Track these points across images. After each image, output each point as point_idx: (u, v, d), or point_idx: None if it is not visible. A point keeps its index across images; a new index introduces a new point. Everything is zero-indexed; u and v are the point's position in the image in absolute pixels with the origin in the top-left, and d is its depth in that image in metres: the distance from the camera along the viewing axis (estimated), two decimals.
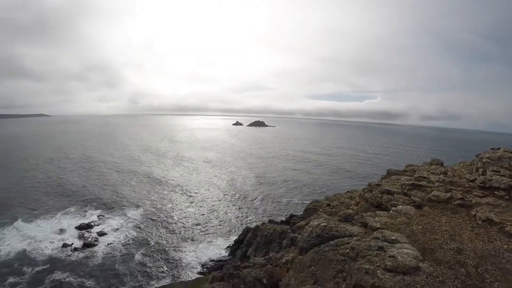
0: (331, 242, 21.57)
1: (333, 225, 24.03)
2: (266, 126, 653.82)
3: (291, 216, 73.58)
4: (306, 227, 27.67)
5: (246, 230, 68.87)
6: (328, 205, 52.19)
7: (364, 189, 40.51)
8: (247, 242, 60.14)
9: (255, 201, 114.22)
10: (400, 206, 26.77)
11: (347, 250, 19.17)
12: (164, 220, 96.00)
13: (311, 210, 54.94)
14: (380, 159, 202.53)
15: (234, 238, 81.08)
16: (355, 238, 21.01)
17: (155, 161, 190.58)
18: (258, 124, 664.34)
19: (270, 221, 72.32)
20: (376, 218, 24.49)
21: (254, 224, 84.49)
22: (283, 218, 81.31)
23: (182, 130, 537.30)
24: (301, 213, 68.95)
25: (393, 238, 19.38)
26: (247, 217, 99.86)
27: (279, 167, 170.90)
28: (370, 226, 23.10)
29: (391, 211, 26.53)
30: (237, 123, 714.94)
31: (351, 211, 35.17)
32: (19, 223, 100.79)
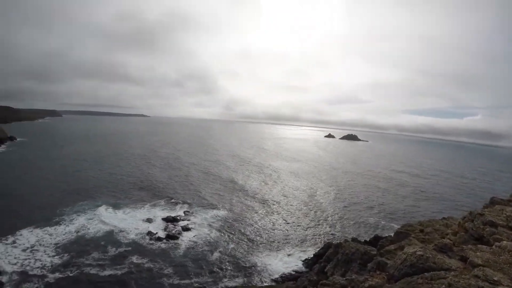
0: (425, 274, 23.23)
1: (429, 255, 26.12)
2: (359, 140, 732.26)
3: (377, 237, 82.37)
4: (400, 253, 30.07)
5: (328, 245, 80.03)
6: (422, 231, 55.58)
7: (464, 217, 42.89)
8: (326, 258, 69.08)
9: (335, 217, 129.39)
10: (504, 242, 27.88)
11: (443, 286, 20.57)
12: (244, 225, 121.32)
13: (402, 234, 59.10)
14: (478, 185, 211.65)
15: (311, 251, 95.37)
16: (452, 273, 22.54)
17: (240, 167, 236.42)
18: (351, 137, 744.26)
19: (353, 240, 79.89)
20: (478, 253, 25.90)
21: (334, 240, 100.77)
22: (366, 238, 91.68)
23: (271, 138, 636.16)
24: (387, 235, 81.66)
25: (495, 279, 20.11)
26: (326, 232, 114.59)
27: (366, 184, 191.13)
28: (470, 261, 24.67)
29: (494, 246, 27.71)
30: (329, 136, 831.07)
31: (447, 241, 36.84)
32: (110, 208, 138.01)
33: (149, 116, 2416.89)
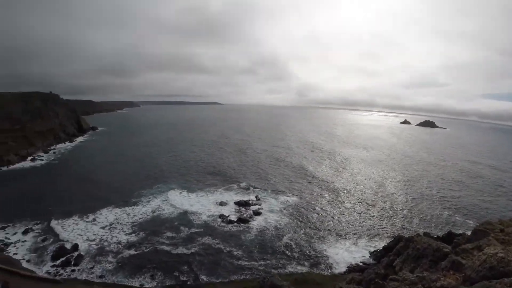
0: (505, 279, 23.01)
1: None
2: (436, 127, 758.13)
3: (451, 234, 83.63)
4: (480, 254, 30.29)
5: (398, 239, 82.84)
6: (502, 231, 55.46)
7: None
8: (396, 251, 71.57)
9: (406, 208, 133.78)
10: None
11: None
12: (313, 212, 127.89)
13: (480, 233, 58.84)
14: None
15: (380, 243, 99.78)
16: None
17: (310, 153, 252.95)
18: (428, 124, 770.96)
19: (425, 234, 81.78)
20: None
21: (404, 233, 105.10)
22: (439, 234, 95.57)
23: (344, 125, 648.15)
24: (462, 232, 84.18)
25: None
26: (396, 224, 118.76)
27: (440, 175, 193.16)
28: None
29: None
30: (405, 122, 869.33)
31: None
32: (184, 191, 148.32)
33: (222, 104, 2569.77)
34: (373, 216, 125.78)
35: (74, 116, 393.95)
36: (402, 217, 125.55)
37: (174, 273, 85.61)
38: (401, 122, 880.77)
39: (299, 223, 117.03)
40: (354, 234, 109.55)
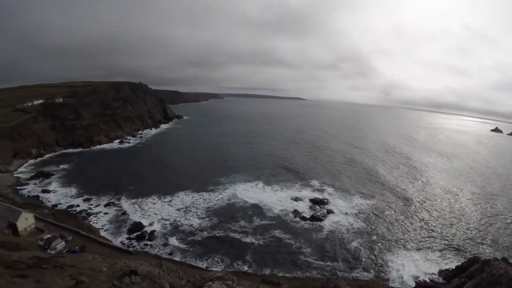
0: None
1: None
2: None
3: None
4: None
5: (473, 260, 77.67)
6: None
7: None
8: (469, 273, 67.41)
9: (485, 226, 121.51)
10: None
11: None
12: (385, 218, 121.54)
13: None
14: None
15: (451, 260, 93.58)
16: None
17: (387, 157, 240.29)
18: None
19: (504, 259, 75.69)
20: None
21: (481, 254, 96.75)
22: None
23: (427, 128, 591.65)
24: None
25: None
26: (470, 242, 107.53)
27: None
28: None
29: None
30: (496, 130, 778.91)
31: None
32: (261, 183, 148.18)
33: (305, 99, 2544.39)
34: (446, 231, 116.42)
35: (161, 105, 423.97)
36: (478, 236, 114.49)
37: (240, 261, 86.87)
38: (492, 130, 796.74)
39: (370, 228, 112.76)
40: (425, 247, 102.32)
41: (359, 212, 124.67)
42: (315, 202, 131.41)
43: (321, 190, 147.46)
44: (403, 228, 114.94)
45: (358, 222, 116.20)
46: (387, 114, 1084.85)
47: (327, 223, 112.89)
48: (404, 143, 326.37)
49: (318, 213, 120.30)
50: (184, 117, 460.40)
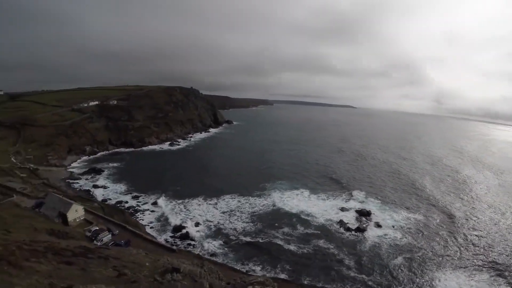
0: None
1: None
2: None
3: None
4: None
5: None
6: None
7: None
8: None
9: None
10: None
11: None
12: (432, 235, 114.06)
13: None
14: None
15: (501, 284, 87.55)
16: None
17: (434, 170, 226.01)
18: None
19: None
20: None
21: None
22: None
23: (479, 140, 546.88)
24: None
25: None
26: None
27: None
28: None
29: None
30: None
31: None
32: (307, 191, 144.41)
33: (355, 108, 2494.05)
34: (495, 252, 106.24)
35: (212, 109, 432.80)
36: None
37: (281, 268, 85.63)
38: None
39: (414, 244, 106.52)
40: (470, 268, 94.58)
41: (404, 227, 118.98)
42: (360, 213, 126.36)
43: (366, 202, 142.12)
44: (449, 246, 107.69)
45: (402, 236, 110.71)
46: (438, 124, 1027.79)
47: (372, 236, 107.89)
48: (454, 156, 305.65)
49: (364, 225, 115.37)
50: (234, 122, 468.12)
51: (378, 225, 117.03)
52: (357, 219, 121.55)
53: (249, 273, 77.94)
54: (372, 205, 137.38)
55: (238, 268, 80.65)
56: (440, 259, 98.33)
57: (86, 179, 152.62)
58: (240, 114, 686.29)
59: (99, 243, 74.02)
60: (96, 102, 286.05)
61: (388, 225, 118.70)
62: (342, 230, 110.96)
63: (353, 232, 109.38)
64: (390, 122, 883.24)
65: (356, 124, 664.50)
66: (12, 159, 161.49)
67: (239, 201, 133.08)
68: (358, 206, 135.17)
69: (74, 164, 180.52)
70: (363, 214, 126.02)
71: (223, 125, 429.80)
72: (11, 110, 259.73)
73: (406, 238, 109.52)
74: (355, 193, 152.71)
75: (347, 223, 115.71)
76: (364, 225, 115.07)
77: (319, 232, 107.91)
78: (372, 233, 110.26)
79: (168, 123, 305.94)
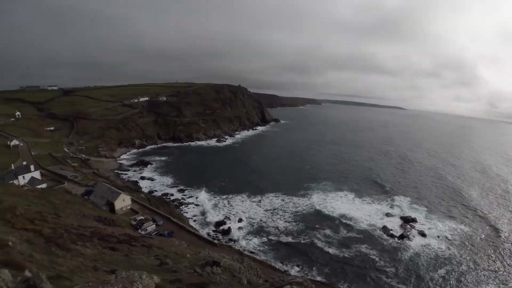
0: None
1: None
2: None
3: None
4: None
5: None
6: None
7: None
8: None
9: None
10: None
11: None
12: (478, 248, 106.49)
13: None
14: None
15: None
16: None
17: (483, 180, 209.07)
18: None
19: None
20: None
21: None
22: None
23: None
24: None
25: None
26: None
27: None
28: None
29: None
30: None
31: None
32: (351, 194, 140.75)
33: (405, 109, 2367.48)
34: None
35: (259, 107, 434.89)
36: None
37: (320, 270, 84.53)
38: None
39: (459, 256, 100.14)
40: None
41: (449, 238, 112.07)
42: (405, 220, 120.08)
43: (411, 208, 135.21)
44: (493, 261, 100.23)
45: (446, 248, 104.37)
46: (490, 129, 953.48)
47: (416, 245, 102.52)
48: (506, 164, 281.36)
49: (407, 233, 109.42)
50: (281, 121, 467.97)
51: (422, 234, 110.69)
52: (401, 226, 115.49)
53: (287, 272, 76.81)
54: (417, 213, 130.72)
55: (277, 267, 79.74)
56: (486, 274, 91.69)
57: (134, 170, 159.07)
58: (288, 113, 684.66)
59: (143, 232, 75.97)
60: (146, 98, 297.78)
61: (433, 234, 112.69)
62: (385, 236, 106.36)
63: (396, 240, 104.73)
64: (439, 125, 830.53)
65: (403, 125, 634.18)
66: (65, 149, 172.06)
67: (282, 200, 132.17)
68: (403, 212, 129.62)
69: (123, 156, 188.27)
70: (408, 221, 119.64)
71: (271, 123, 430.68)
72: (65, 104, 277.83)
73: (450, 250, 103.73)
74: (400, 198, 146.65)
75: (391, 229, 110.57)
76: (408, 233, 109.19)
77: (361, 236, 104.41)
78: (415, 242, 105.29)
79: (215, 120, 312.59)
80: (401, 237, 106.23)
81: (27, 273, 16.06)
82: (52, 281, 15.98)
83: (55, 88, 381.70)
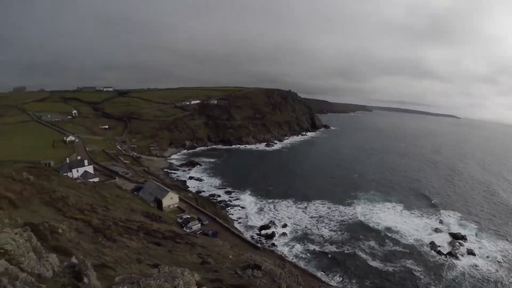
0: None
1: None
2: None
3: None
4: None
5: None
6: None
7: None
8: None
9: None
10: None
11: None
12: None
13: None
14: None
15: None
16: None
17: None
18: None
19: None
20: None
21: None
22: None
23: None
24: None
25: None
26: None
27: None
28: None
29: None
30: None
31: None
32: (399, 206, 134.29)
33: (458, 118, 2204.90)
34: None
35: (309, 113, 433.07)
36: None
37: (362, 283, 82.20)
38: None
39: (510, 281, 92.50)
40: None
41: (500, 259, 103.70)
42: (454, 237, 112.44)
43: (461, 225, 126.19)
44: None
45: (497, 271, 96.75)
46: None
47: (463, 264, 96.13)
48: None
49: (456, 251, 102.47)
50: (331, 127, 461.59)
51: (471, 253, 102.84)
52: (450, 243, 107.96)
53: (328, 283, 74.54)
54: (467, 230, 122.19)
55: (318, 276, 77.79)
56: None
57: (183, 170, 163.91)
58: (338, 119, 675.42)
59: (188, 230, 77.47)
60: (198, 101, 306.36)
61: (482, 254, 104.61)
62: (432, 253, 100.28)
63: (443, 257, 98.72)
64: (494, 135, 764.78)
65: (454, 135, 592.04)
66: (118, 146, 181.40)
67: (328, 208, 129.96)
68: (452, 228, 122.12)
69: (173, 156, 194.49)
70: (457, 238, 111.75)
71: (320, 129, 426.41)
72: (120, 105, 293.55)
73: (500, 272, 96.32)
74: (449, 213, 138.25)
75: (439, 246, 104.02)
76: (456, 251, 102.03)
77: (407, 251, 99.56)
78: (464, 261, 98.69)
79: (265, 124, 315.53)
80: (449, 254, 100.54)
81: (74, 260, 16.76)
82: (97, 269, 16.45)
83: (110, 89, 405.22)
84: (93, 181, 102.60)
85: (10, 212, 28.73)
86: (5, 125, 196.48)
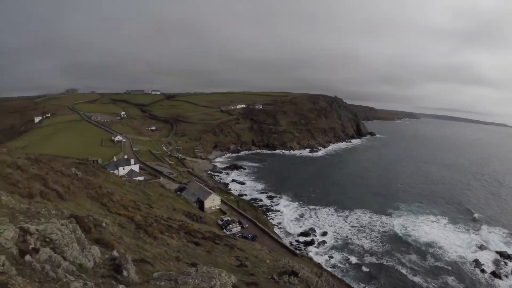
0: None
1: None
2: None
3: None
4: None
5: None
6: None
7: None
8: None
9: None
10: None
11: None
12: None
13: None
14: None
15: None
16: None
17: None
18: None
19: None
20: None
21: None
22: None
23: None
24: None
25: None
26: None
27: None
28: None
29: None
30: None
31: None
32: (443, 219, 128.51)
33: (511, 127, 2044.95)
34: None
35: (355, 120, 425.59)
36: None
37: None
38: None
39: None
40: None
41: None
42: (501, 255, 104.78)
43: (507, 243, 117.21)
44: None
45: None
46: None
47: (506, 285, 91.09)
48: None
49: (500, 270, 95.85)
50: (378, 135, 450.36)
51: None
52: (494, 262, 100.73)
53: None
54: None
55: (354, 287, 75.47)
56: None
57: (227, 173, 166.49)
58: (384, 126, 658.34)
59: (228, 232, 78.65)
60: (243, 105, 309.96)
61: None
62: (476, 271, 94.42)
63: (486, 276, 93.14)
64: None
65: (505, 145, 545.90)
66: (164, 147, 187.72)
67: (370, 218, 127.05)
68: (498, 246, 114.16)
69: (217, 159, 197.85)
70: (503, 257, 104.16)
71: (366, 136, 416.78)
72: (166, 107, 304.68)
73: None
74: (495, 230, 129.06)
75: (483, 264, 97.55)
76: (501, 271, 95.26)
77: (449, 268, 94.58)
78: (507, 282, 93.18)
79: (310, 130, 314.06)
80: (493, 274, 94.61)
81: (115, 253, 17.55)
82: (136, 264, 17.14)
83: (157, 92, 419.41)
84: (138, 180, 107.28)
85: (57, 204, 30.52)
86: (57, 124, 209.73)
